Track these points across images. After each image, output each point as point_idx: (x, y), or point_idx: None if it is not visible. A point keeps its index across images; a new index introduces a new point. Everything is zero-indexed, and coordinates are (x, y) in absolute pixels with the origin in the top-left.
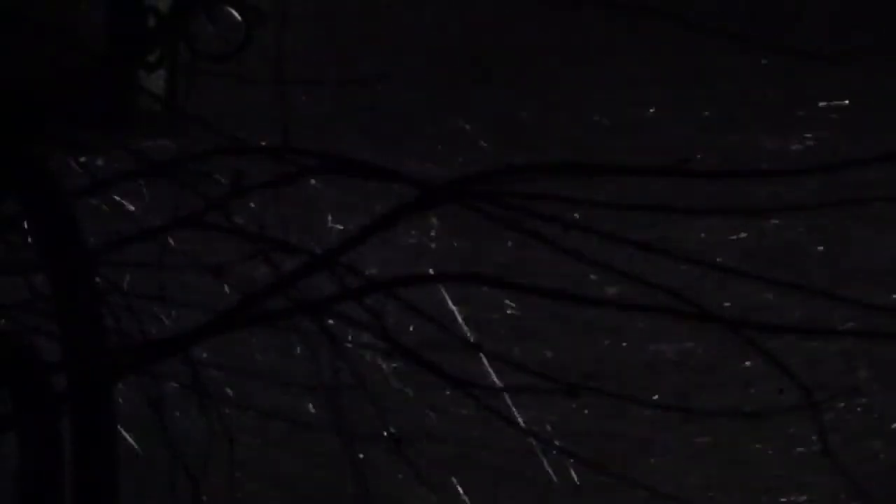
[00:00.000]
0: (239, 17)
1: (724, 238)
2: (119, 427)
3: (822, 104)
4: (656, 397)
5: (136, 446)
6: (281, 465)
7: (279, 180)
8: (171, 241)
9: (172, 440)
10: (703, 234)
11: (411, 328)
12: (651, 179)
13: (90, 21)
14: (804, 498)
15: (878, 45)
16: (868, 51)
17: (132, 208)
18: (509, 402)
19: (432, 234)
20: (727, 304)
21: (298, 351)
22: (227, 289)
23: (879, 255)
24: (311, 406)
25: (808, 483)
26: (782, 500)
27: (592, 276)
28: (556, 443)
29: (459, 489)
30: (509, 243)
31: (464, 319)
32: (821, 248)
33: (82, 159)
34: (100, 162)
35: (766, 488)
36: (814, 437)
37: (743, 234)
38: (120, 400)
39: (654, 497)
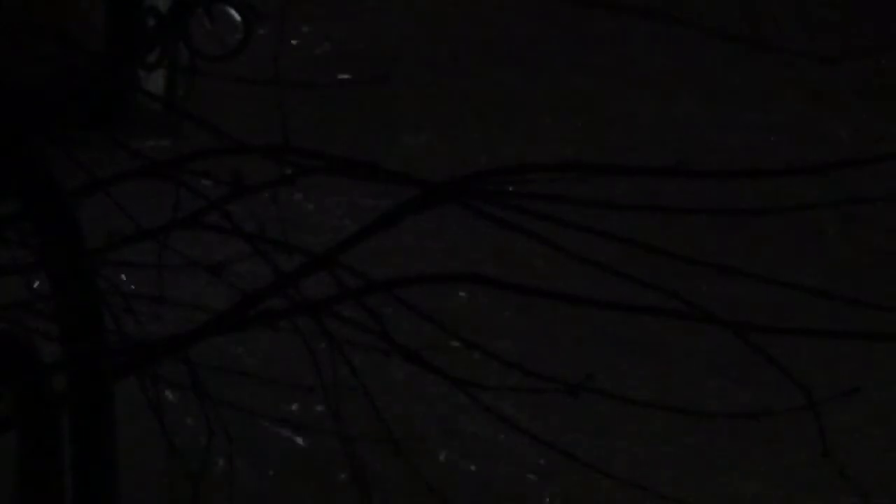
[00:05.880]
0: (238, 17)
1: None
2: (118, 427)
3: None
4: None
5: (136, 447)
6: (280, 466)
7: (279, 180)
8: (170, 241)
9: (172, 440)
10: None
11: (411, 328)
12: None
13: (90, 21)
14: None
15: (880, 44)
16: (868, 51)
17: (132, 208)
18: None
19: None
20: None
21: (298, 351)
22: (226, 289)
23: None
24: (310, 407)
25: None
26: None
27: (592, 277)
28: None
29: (459, 490)
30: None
31: (464, 320)
32: (820, 246)
33: (82, 159)
34: (100, 162)
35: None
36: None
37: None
38: (119, 400)
39: (654, 498)
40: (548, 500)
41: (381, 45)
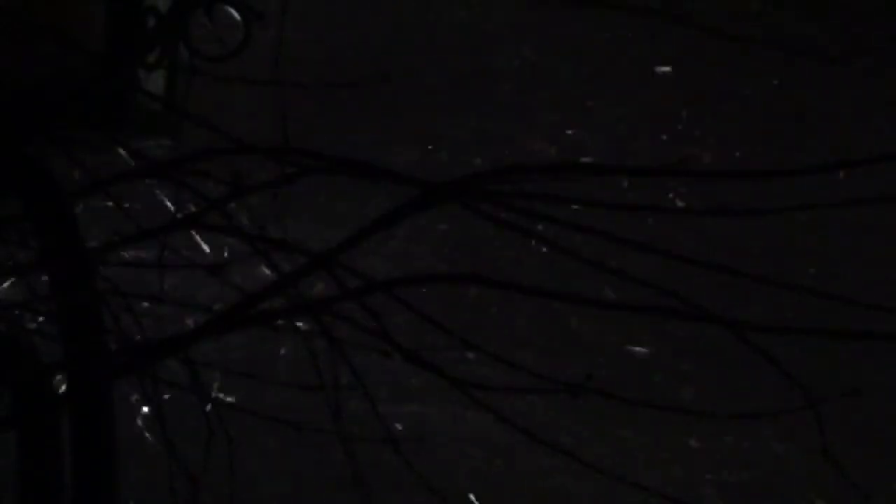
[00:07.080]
0: (238, 17)
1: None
2: (118, 427)
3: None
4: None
5: (136, 447)
6: (280, 465)
7: (279, 180)
8: (170, 241)
9: (172, 440)
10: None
11: (411, 328)
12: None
13: (90, 21)
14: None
15: (879, 42)
16: (867, 50)
17: (132, 208)
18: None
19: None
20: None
21: (298, 351)
22: (226, 289)
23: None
24: (310, 407)
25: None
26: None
27: (592, 277)
28: (555, 444)
29: (460, 490)
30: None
31: (464, 320)
32: (820, 247)
33: (82, 159)
34: (100, 162)
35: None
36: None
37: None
38: (119, 400)
39: (651, 497)
40: (548, 499)
41: (381, 46)
